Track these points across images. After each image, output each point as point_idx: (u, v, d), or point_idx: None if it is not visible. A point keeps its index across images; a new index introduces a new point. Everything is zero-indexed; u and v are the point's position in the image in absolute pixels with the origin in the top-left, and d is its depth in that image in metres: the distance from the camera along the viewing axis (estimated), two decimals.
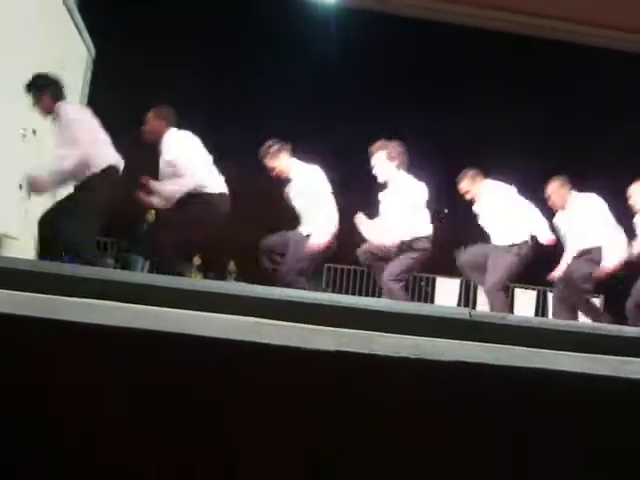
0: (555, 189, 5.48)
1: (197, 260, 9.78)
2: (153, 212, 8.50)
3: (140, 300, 1.41)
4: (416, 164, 5.21)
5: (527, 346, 1.25)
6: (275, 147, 4.93)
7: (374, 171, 5.10)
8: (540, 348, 1.27)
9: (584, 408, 1.00)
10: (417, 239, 5.00)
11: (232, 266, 10.28)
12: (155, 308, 1.27)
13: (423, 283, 10.76)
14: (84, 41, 8.14)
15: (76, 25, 7.64)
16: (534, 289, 10.07)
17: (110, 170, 4.43)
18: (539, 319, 1.73)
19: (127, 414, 0.96)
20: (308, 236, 4.84)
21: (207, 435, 0.96)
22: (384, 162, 5.04)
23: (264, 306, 1.47)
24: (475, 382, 1.00)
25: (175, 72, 11.40)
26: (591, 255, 5.22)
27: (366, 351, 0.97)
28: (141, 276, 1.90)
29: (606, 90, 11.13)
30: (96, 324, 0.96)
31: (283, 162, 4.96)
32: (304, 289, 4.06)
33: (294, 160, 5.00)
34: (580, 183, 5.56)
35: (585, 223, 5.25)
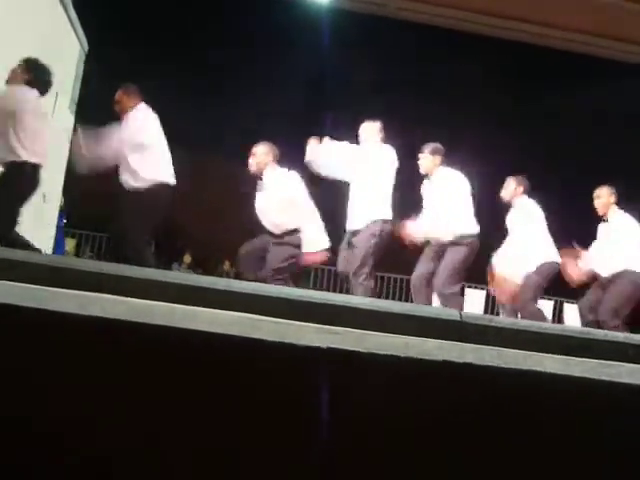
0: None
1: (187, 258, 9.75)
2: None
3: (134, 294, 1.42)
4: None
5: (514, 348, 1.28)
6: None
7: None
8: (526, 350, 1.30)
9: (566, 408, 1.03)
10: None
11: (227, 266, 10.18)
12: (149, 302, 1.29)
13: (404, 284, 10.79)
14: (77, 35, 8.11)
15: (70, 19, 7.61)
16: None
17: None
18: (526, 322, 1.76)
19: (120, 406, 0.97)
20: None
21: (199, 428, 0.98)
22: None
23: (257, 303, 1.48)
24: (461, 382, 1.02)
25: (168, 69, 11.36)
26: None
27: (357, 349, 0.98)
28: (135, 270, 1.91)
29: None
30: (90, 316, 0.97)
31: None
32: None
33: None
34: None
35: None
